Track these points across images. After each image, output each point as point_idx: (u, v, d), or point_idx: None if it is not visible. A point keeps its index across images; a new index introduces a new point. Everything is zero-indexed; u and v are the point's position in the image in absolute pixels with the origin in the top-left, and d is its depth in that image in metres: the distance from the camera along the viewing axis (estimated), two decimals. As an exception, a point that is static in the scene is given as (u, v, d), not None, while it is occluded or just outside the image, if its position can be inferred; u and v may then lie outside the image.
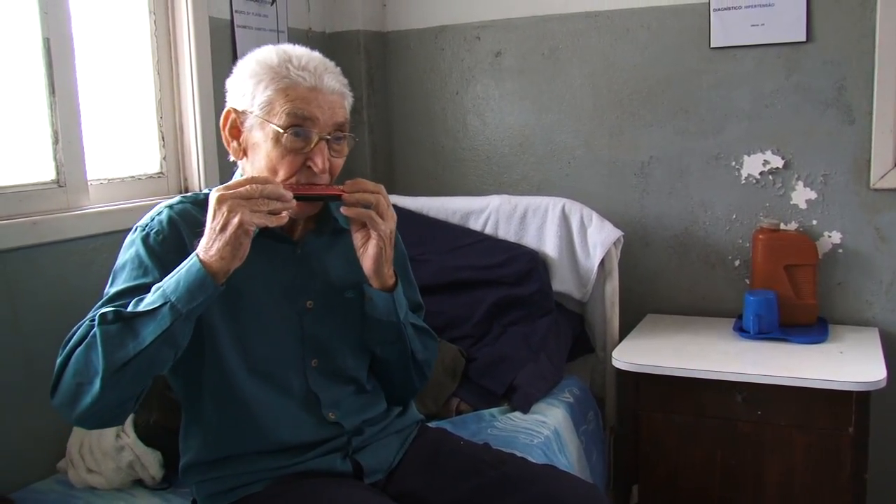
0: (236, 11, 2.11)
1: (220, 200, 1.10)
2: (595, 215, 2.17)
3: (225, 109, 1.28)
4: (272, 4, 2.23)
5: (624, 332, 2.17)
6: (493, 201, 2.29)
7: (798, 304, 2.07)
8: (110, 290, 1.20)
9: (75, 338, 1.13)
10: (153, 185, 1.95)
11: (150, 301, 1.10)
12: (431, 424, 1.60)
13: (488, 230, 2.27)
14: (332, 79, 1.25)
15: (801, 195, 2.17)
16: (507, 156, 2.47)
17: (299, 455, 1.29)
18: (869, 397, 1.79)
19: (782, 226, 2.15)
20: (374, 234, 1.24)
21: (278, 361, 1.29)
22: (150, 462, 1.52)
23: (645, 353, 1.98)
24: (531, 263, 2.15)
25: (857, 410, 1.77)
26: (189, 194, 1.33)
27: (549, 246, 2.19)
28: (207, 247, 1.11)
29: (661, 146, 2.29)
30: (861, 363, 1.84)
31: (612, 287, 2.17)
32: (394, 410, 1.44)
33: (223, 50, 2.07)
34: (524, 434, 1.77)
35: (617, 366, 1.95)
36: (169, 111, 1.99)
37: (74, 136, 1.69)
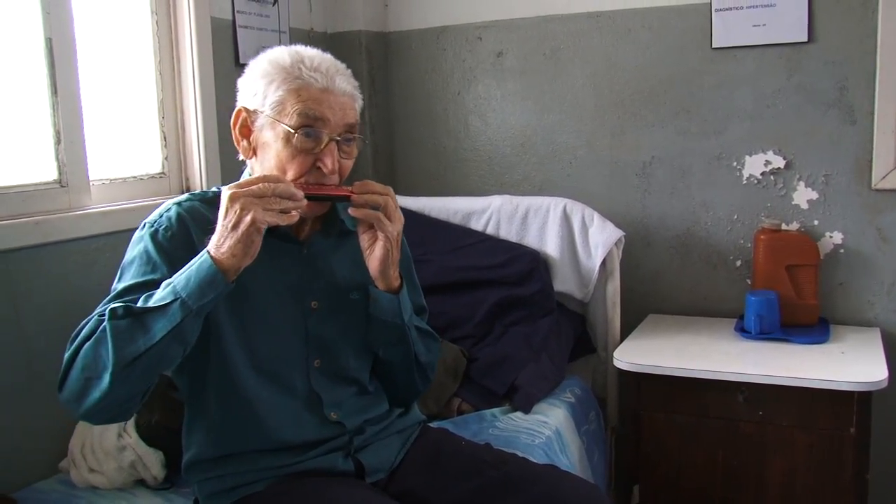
0: (238, 12, 2.11)
1: (233, 198, 1.11)
2: (596, 215, 2.17)
3: (236, 108, 1.29)
4: (274, 5, 2.23)
5: (625, 333, 2.17)
6: (495, 201, 2.29)
7: (799, 305, 2.07)
8: (118, 285, 1.20)
9: (84, 332, 1.13)
10: (155, 186, 1.95)
11: (160, 297, 1.11)
12: (433, 424, 1.60)
13: (490, 230, 2.27)
14: (344, 81, 1.26)
15: (803, 195, 2.17)
16: (509, 156, 2.47)
17: (301, 454, 1.29)
18: (870, 397, 1.79)
19: (784, 226, 2.15)
20: (381, 236, 1.25)
21: (282, 360, 1.30)
22: (152, 462, 1.53)
23: (646, 353, 1.98)
24: (533, 263, 2.15)
25: (859, 411, 1.77)
26: (197, 192, 1.34)
27: (551, 246, 2.19)
28: (219, 244, 1.11)
29: (662, 146, 2.29)
30: (862, 363, 1.84)
31: (614, 287, 2.17)
32: (395, 410, 1.44)
33: (225, 50, 2.07)
34: (525, 434, 1.77)
35: (618, 366, 1.95)
36: (171, 111, 1.99)
37: (76, 136, 1.69)
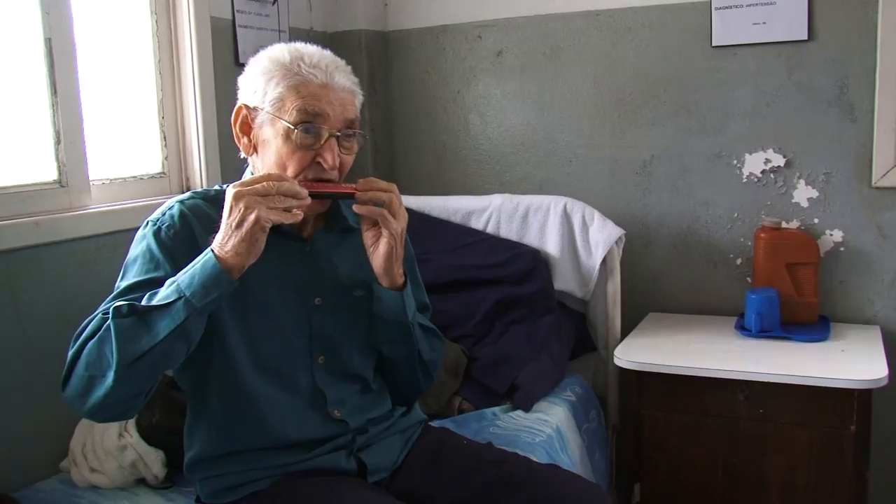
0: (238, 11, 2.11)
1: (237, 197, 1.11)
2: (597, 214, 2.17)
3: (236, 106, 1.29)
4: (274, 4, 2.23)
5: (626, 331, 2.17)
6: (495, 200, 2.29)
7: (800, 303, 2.07)
8: (121, 283, 1.21)
9: (88, 330, 1.13)
10: (155, 185, 1.95)
11: (164, 295, 1.11)
12: (434, 423, 1.60)
13: (490, 229, 2.27)
14: (343, 77, 1.26)
15: (803, 193, 2.17)
16: (509, 155, 2.47)
17: (304, 452, 1.29)
18: (871, 395, 1.79)
19: (784, 224, 2.15)
20: (385, 233, 1.25)
21: (286, 357, 1.30)
22: (153, 461, 1.53)
23: (647, 351, 1.98)
24: (533, 262, 2.15)
25: (859, 408, 1.77)
26: (199, 190, 1.34)
27: (551, 245, 2.19)
28: (223, 242, 1.11)
29: (662, 145, 2.29)
30: (863, 361, 1.84)
31: (614, 286, 2.17)
32: (398, 410, 1.44)
33: (225, 50, 2.07)
34: (526, 433, 1.77)
35: (619, 364, 1.95)
36: (171, 111, 1.99)
37: (76, 136, 1.69)
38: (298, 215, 1.15)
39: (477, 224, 2.29)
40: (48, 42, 1.63)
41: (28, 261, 1.56)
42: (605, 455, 2.08)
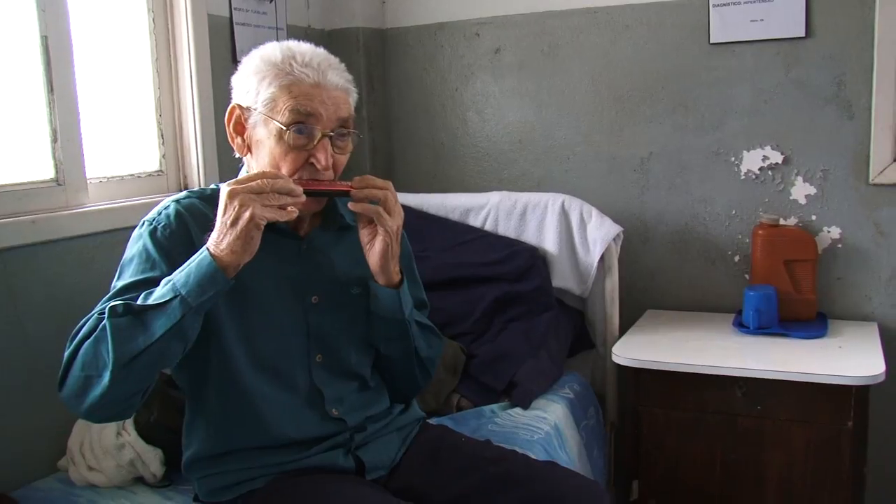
0: (235, 9, 2.11)
1: (232, 195, 1.11)
2: (595, 211, 2.17)
3: (230, 105, 1.29)
4: (271, 2, 2.22)
5: (624, 328, 2.17)
6: (493, 198, 2.29)
7: (797, 299, 2.07)
8: (118, 283, 1.21)
9: (84, 330, 1.13)
10: (152, 183, 1.95)
11: (160, 294, 1.11)
12: (432, 421, 1.60)
13: (488, 226, 2.27)
14: (336, 75, 1.26)
15: (801, 190, 2.17)
16: (507, 152, 2.47)
17: (302, 451, 1.29)
18: (868, 391, 1.80)
19: (782, 221, 2.15)
20: (381, 231, 1.25)
21: (283, 356, 1.30)
22: (151, 459, 1.52)
23: (645, 348, 1.98)
24: (531, 260, 2.15)
25: (857, 404, 1.77)
26: (195, 189, 1.34)
27: (549, 242, 2.19)
28: (218, 241, 1.11)
29: (660, 142, 2.29)
30: (860, 357, 1.84)
31: (612, 283, 2.17)
32: (396, 407, 1.44)
33: (222, 48, 2.06)
34: (525, 430, 1.77)
35: (617, 361, 1.96)
36: (168, 109, 1.99)
37: (73, 134, 1.69)
38: (293, 213, 1.15)
39: (475, 221, 2.29)
40: (44, 40, 1.63)
41: (25, 259, 1.56)
42: (603, 452, 2.08)
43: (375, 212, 1.23)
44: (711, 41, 2.18)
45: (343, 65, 1.30)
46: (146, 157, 1.97)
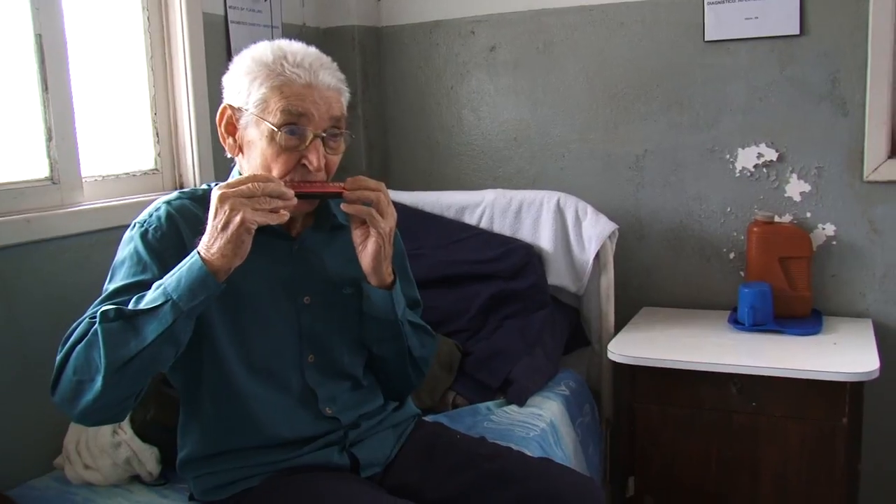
0: (230, 7, 2.11)
1: (222, 199, 1.10)
2: (590, 209, 2.17)
3: (221, 106, 1.28)
4: (266, 0, 2.22)
5: (619, 325, 2.17)
6: (488, 195, 2.29)
7: (792, 296, 2.08)
8: (109, 286, 1.20)
9: (75, 335, 1.13)
10: (148, 182, 1.95)
11: (151, 299, 1.10)
12: (428, 418, 1.60)
13: (483, 224, 2.27)
14: (328, 75, 1.25)
15: (795, 188, 2.17)
16: (502, 150, 2.47)
17: (296, 450, 1.29)
18: (862, 388, 1.81)
19: (776, 218, 2.16)
20: (373, 232, 1.24)
21: (276, 357, 1.30)
22: (148, 458, 1.52)
23: (640, 345, 1.99)
24: (526, 257, 2.15)
25: (851, 401, 1.78)
26: (186, 190, 1.33)
27: (545, 240, 2.19)
28: (209, 245, 1.11)
29: (655, 139, 2.29)
30: (854, 354, 1.85)
31: (608, 280, 2.18)
32: (390, 405, 1.44)
33: (217, 46, 2.06)
34: (520, 427, 1.77)
35: (612, 358, 1.96)
36: (163, 107, 1.98)
37: (68, 132, 1.69)
38: (285, 216, 1.14)
39: (470, 219, 2.29)
40: (38, 38, 1.62)
41: (20, 258, 1.55)
42: (598, 449, 2.09)
43: (368, 213, 1.23)
44: (706, 39, 2.19)
45: (335, 64, 1.29)
46: (141, 155, 1.97)
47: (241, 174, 1.28)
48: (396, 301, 1.32)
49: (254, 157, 1.25)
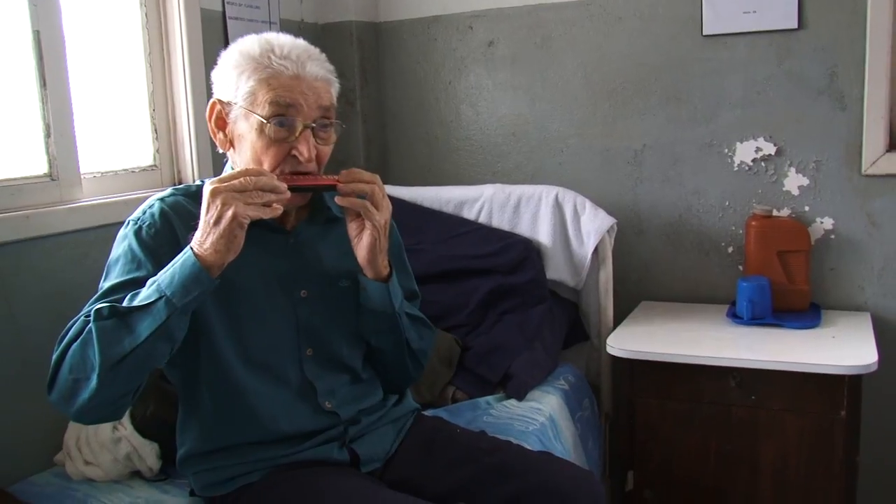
0: (228, 3, 2.10)
1: (214, 193, 1.10)
2: (588, 203, 2.17)
3: (210, 101, 1.28)
4: (263, -5, 2.22)
5: (618, 320, 2.18)
6: (487, 190, 2.29)
7: (791, 290, 2.08)
8: (104, 284, 1.20)
9: (71, 333, 1.13)
10: (146, 178, 1.95)
11: (145, 296, 1.10)
12: (427, 413, 1.60)
13: (482, 219, 2.28)
14: (316, 65, 1.25)
15: (794, 181, 2.17)
16: (501, 145, 2.47)
17: (296, 444, 1.30)
18: (861, 381, 1.81)
19: (775, 212, 2.16)
20: (368, 225, 1.24)
21: (274, 351, 1.30)
22: (148, 453, 1.53)
23: (639, 339, 1.99)
24: (525, 252, 2.15)
25: (849, 394, 1.78)
26: (181, 186, 1.33)
27: (543, 234, 2.20)
28: (202, 240, 1.11)
29: (653, 134, 2.29)
30: (853, 347, 1.85)
31: (606, 275, 2.18)
32: (390, 399, 1.45)
33: (215, 42, 2.06)
34: (520, 421, 1.78)
35: (612, 353, 1.96)
36: (161, 104, 1.98)
37: (67, 129, 1.69)
38: (278, 210, 1.14)
39: (469, 214, 2.29)
40: (36, 34, 1.62)
41: (19, 255, 1.55)
42: (598, 443, 2.09)
43: (363, 206, 1.23)
44: (704, 33, 2.18)
45: (324, 55, 1.29)
46: (140, 151, 1.96)
47: (233, 169, 1.28)
48: (393, 293, 1.32)
49: (244, 151, 1.25)
